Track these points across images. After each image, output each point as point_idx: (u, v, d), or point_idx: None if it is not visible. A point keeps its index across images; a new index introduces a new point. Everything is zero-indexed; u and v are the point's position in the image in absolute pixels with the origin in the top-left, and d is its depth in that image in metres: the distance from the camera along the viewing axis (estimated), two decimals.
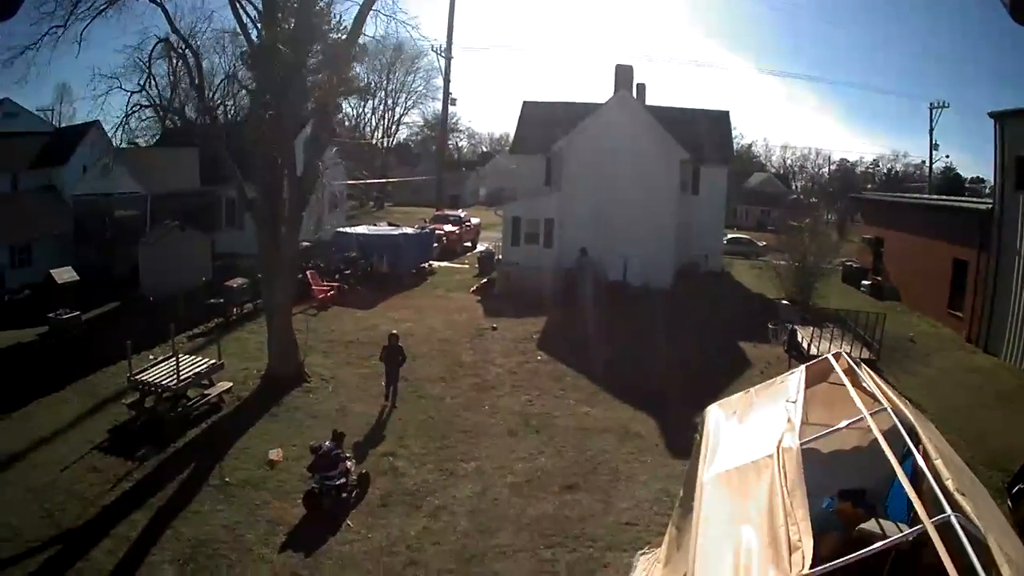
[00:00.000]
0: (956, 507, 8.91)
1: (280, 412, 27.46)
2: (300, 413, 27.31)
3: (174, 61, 33.48)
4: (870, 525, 11.78)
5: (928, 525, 8.38)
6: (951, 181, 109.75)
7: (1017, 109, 37.41)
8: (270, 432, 25.68)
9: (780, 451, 11.01)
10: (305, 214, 32.05)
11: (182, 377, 26.05)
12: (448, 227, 68.49)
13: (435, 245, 60.10)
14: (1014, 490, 20.14)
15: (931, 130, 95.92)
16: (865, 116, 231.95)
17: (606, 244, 48.20)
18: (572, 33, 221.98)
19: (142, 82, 31.40)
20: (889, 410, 12.18)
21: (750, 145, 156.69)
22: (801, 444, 11.19)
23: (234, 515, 20.27)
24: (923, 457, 10.59)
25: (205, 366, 27.71)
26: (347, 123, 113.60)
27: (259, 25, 29.58)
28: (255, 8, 29.54)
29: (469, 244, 70.36)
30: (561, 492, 22.10)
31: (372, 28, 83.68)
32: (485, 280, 52.07)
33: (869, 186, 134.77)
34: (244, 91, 34.95)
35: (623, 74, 51.76)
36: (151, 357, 29.39)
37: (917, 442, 11.13)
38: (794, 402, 12.84)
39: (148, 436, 24.61)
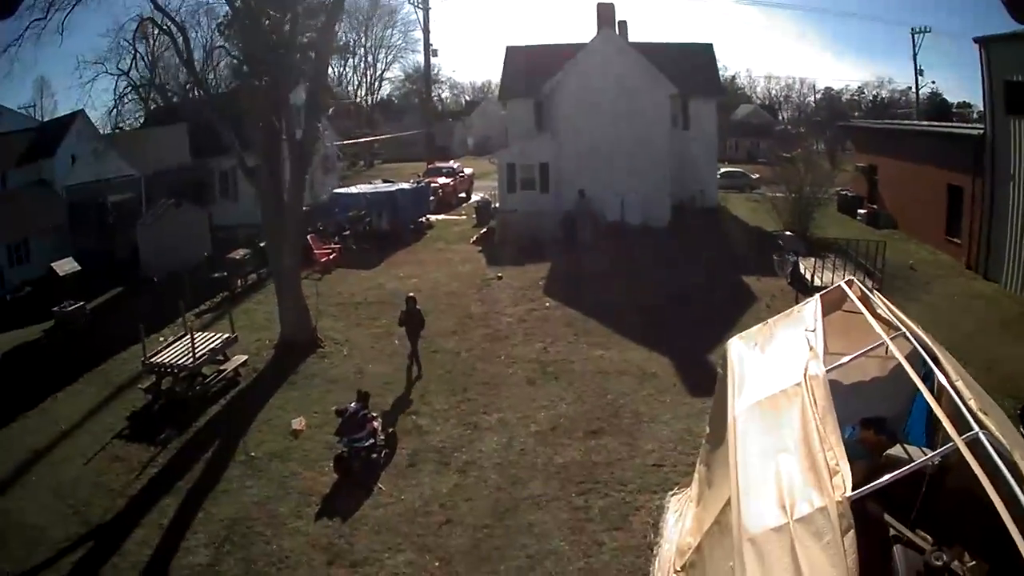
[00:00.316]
0: (981, 425, 9.04)
1: (298, 380, 27.44)
2: (318, 379, 27.31)
3: (152, 41, 33.04)
4: (896, 450, 12.04)
5: (959, 442, 8.54)
6: (938, 106, 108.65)
7: (1002, 34, 36.68)
8: (290, 401, 25.70)
9: (807, 379, 11.15)
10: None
11: (198, 355, 25.97)
12: (442, 179, 67.96)
13: (431, 199, 59.86)
14: None
15: (915, 56, 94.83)
16: (846, 43, 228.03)
17: (602, 184, 48.05)
18: None
19: (127, 64, 31.23)
20: (908, 334, 12.35)
21: (733, 77, 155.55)
22: (827, 371, 11.37)
23: (264, 490, 20.39)
24: (945, 378, 10.76)
25: (219, 341, 27.63)
26: (331, 84, 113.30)
27: None
28: None
29: (464, 195, 69.84)
30: (586, 438, 22.29)
31: None
32: (484, 230, 51.79)
33: (856, 114, 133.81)
34: (233, 59, 34.25)
35: (605, 12, 51.06)
36: (161, 339, 29.09)
37: (937, 365, 11.23)
38: (813, 331, 12.97)
39: (168, 418, 24.59)
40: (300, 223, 32.44)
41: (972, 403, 9.87)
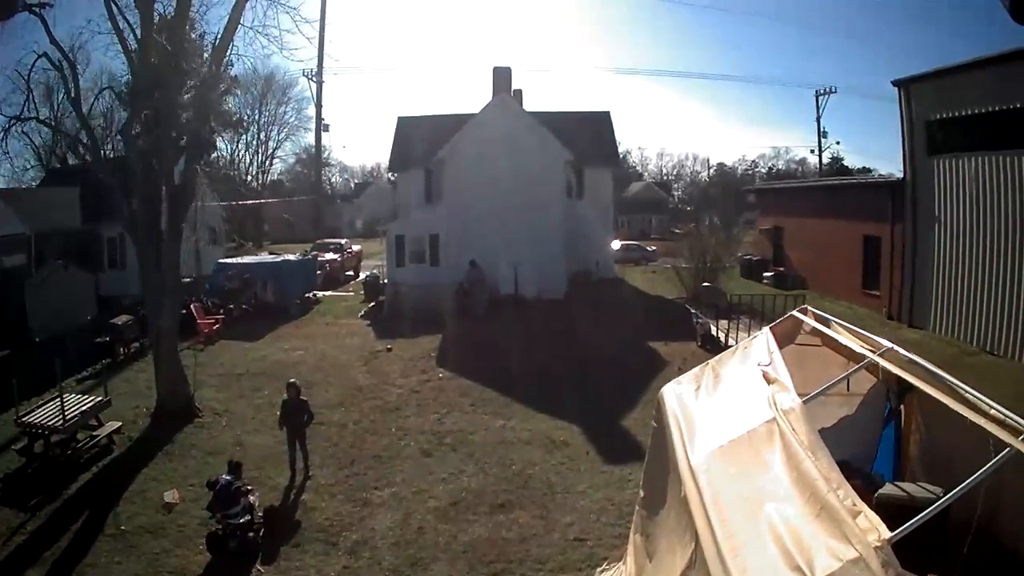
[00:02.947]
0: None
1: (174, 450, 25.38)
2: (195, 450, 25.23)
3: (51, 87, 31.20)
4: (888, 490, 10.70)
5: (1018, 444, 7.36)
6: (839, 172, 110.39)
7: (920, 75, 37.63)
8: (165, 472, 23.62)
9: (782, 413, 9.45)
10: (185, 247, 30.53)
11: (68, 417, 24.10)
12: (329, 255, 66.76)
13: (319, 273, 58.42)
14: None
15: (818, 118, 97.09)
16: (743, 116, 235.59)
17: (495, 255, 46.84)
18: (446, 50, 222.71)
19: (21, 106, 29.36)
20: (895, 348, 11.00)
21: (626, 154, 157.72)
22: (804, 401, 9.73)
23: (133, 567, 18.23)
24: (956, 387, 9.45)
25: (90, 404, 25.79)
26: (221, 160, 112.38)
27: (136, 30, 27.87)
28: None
29: (352, 272, 68.51)
30: (493, 512, 20.18)
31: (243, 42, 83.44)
32: (373, 304, 50.43)
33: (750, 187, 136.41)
34: (118, 100, 32.78)
35: (501, 76, 50.46)
36: (40, 401, 27.08)
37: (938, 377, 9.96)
38: (769, 364, 11.32)
39: (42, 482, 22.62)
40: (178, 275, 30.82)
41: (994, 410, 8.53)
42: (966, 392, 9.11)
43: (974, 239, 33.91)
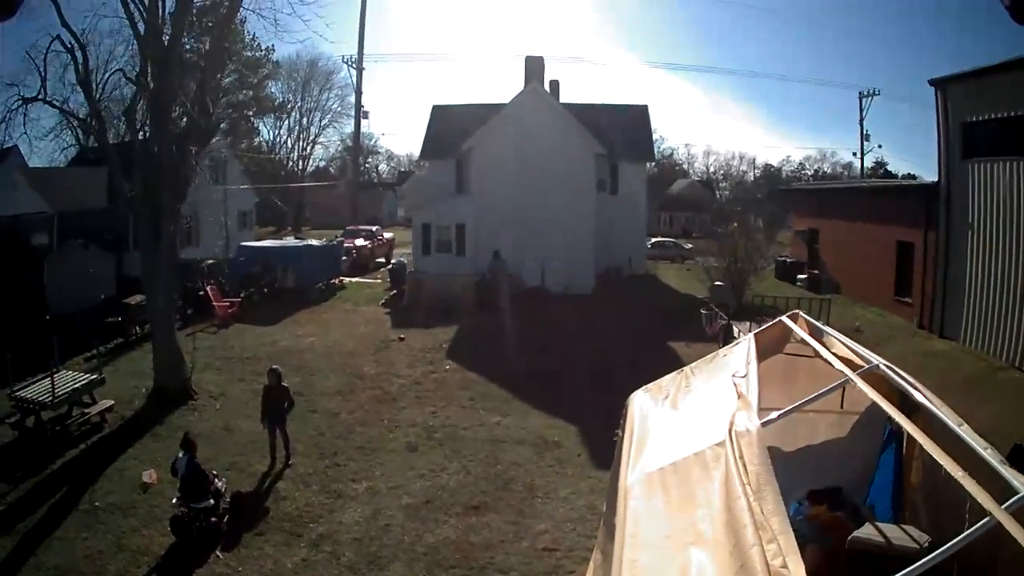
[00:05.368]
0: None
1: (163, 431, 25.01)
2: (183, 432, 23.61)
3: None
4: (866, 531, 9.43)
5: (999, 513, 5.75)
6: (883, 176, 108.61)
7: (957, 74, 36.16)
8: (150, 453, 23.21)
9: (734, 436, 8.03)
10: (213, 230, 29.68)
11: (58, 394, 24.08)
12: (359, 241, 66.34)
13: (344, 259, 57.82)
14: None
15: (861, 120, 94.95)
16: (790, 118, 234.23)
17: (523, 249, 46.13)
18: (492, 44, 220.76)
19: (37, 88, 29.69)
20: (883, 366, 9.45)
21: (672, 152, 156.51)
22: (763, 424, 8.27)
23: (99, 543, 17.97)
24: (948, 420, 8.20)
25: (84, 382, 25.78)
26: (263, 146, 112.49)
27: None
28: None
29: (382, 260, 67.81)
30: (466, 514, 19.34)
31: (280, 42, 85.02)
32: (395, 292, 49.68)
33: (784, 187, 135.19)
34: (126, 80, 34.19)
35: (533, 66, 49.65)
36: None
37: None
38: (744, 376, 9.91)
39: (29, 456, 22.57)
40: (174, 255, 30.61)
41: (990, 454, 7.17)
42: (959, 431, 7.90)
43: (1008, 249, 32.31)
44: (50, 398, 23.78)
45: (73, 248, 43.42)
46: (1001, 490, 6.21)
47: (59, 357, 27.46)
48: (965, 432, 7.75)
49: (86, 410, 25.41)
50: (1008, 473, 6.53)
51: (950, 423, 7.99)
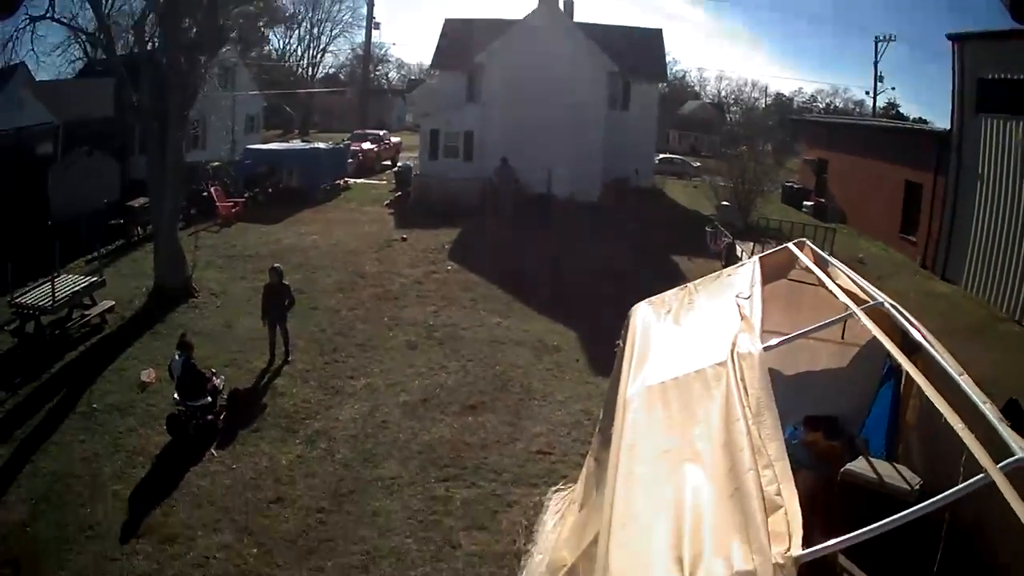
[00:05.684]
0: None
1: (163, 330, 24.94)
2: (185, 330, 23.77)
3: None
4: (859, 465, 9.60)
5: (994, 472, 5.62)
6: (894, 118, 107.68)
7: (977, 32, 36.25)
8: (150, 352, 23.13)
9: (736, 358, 8.01)
10: (219, 134, 29.56)
11: (58, 297, 24.05)
12: (366, 144, 66.33)
13: (350, 161, 57.96)
14: None
15: (876, 63, 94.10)
16: (806, 52, 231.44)
17: (531, 157, 45.62)
18: None
19: (47, 3, 29.29)
20: (887, 304, 9.38)
21: (684, 75, 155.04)
22: (765, 349, 8.22)
23: (95, 445, 17.98)
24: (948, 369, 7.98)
25: (84, 284, 25.86)
26: (273, 54, 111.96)
27: None
28: None
29: (388, 162, 67.73)
30: (462, 413, 19.49)
31: None
32: (400, 193, 49.65)
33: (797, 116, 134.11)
34: None
35: None
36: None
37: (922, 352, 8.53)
38: (748, 298, 9.89)
39: (30, 363, 22.27)
40: (180, 161, 30.33)
41: (988, 409, 6.93)
42: (959, 380, 7.72)
43: (1016, 203, 32.44)
44: (50, 302, 23.82)
45: (77, 155, 43.31)
46: (997, 448, 6.14)
47: (60, 261, 27.37)
48: (965, 383, 7.59)
49: (86, 312, 25.48)
50: (1006, 433, 6.43)
51: (951, 371, 7.88)
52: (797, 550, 5.23)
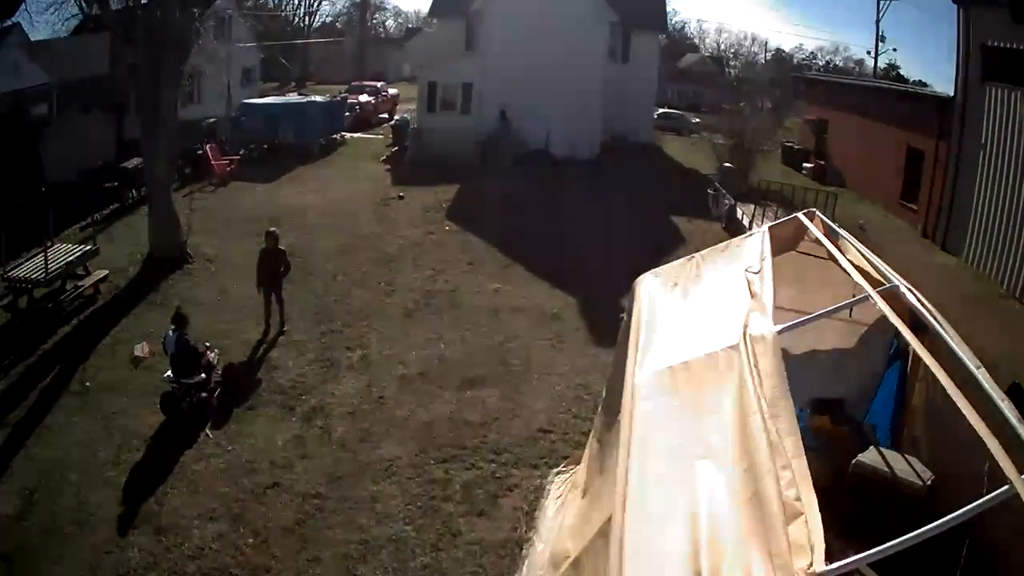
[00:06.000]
0: None
1: (158, 299, 24.61)
2: (179, 300, 23.91)
3: None
4: (870, 457, 9.31)
5: (1019, 485, 5.13)
6: (895, 80, 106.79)
7: None
8: (144, 323, 22.77)
9: (749, 340, 7.57)
10: (215, 89, 29.16)
11: (51, 269, 23.60)
12: (363, 97, 65.55)
13: (348, 115, 57.12)
14: None
15: (877, 21, 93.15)
16: (808, 6, 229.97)
17: (528, 111, 44.93)
18: None
19: None
20: (903, 287, 8.82)
21: (683, 26, 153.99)
22: (779, 331, 7.75)
23: (88, 426, 17.67)
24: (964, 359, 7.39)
25: (77, 254, 25.41)
26: (270, 3, 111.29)
27: None
28: None
29: (386, 116, 66.72)
30: (462, 387, 19.15)
31: None
32: (397, 148, 49.29)
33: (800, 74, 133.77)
34: None
35: None
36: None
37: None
38: (758, 272, 9.41)
39: (22, 339, 21.88)
40: (174, 120, 29.75)
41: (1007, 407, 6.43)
42: (976, 374, 7.15)
43: (1020, 175, 31.73)
44: (43, 275, 23.37)
45: (72, 115, 42.97)
46: (1017, 451, 5.68)
47: (54, 229, 27.21)
48: (982, 376, 7.09)
49: (79, 283, 25.03)
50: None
51: (968, 363, 7.37)
52: (820, 565, 4.85)
